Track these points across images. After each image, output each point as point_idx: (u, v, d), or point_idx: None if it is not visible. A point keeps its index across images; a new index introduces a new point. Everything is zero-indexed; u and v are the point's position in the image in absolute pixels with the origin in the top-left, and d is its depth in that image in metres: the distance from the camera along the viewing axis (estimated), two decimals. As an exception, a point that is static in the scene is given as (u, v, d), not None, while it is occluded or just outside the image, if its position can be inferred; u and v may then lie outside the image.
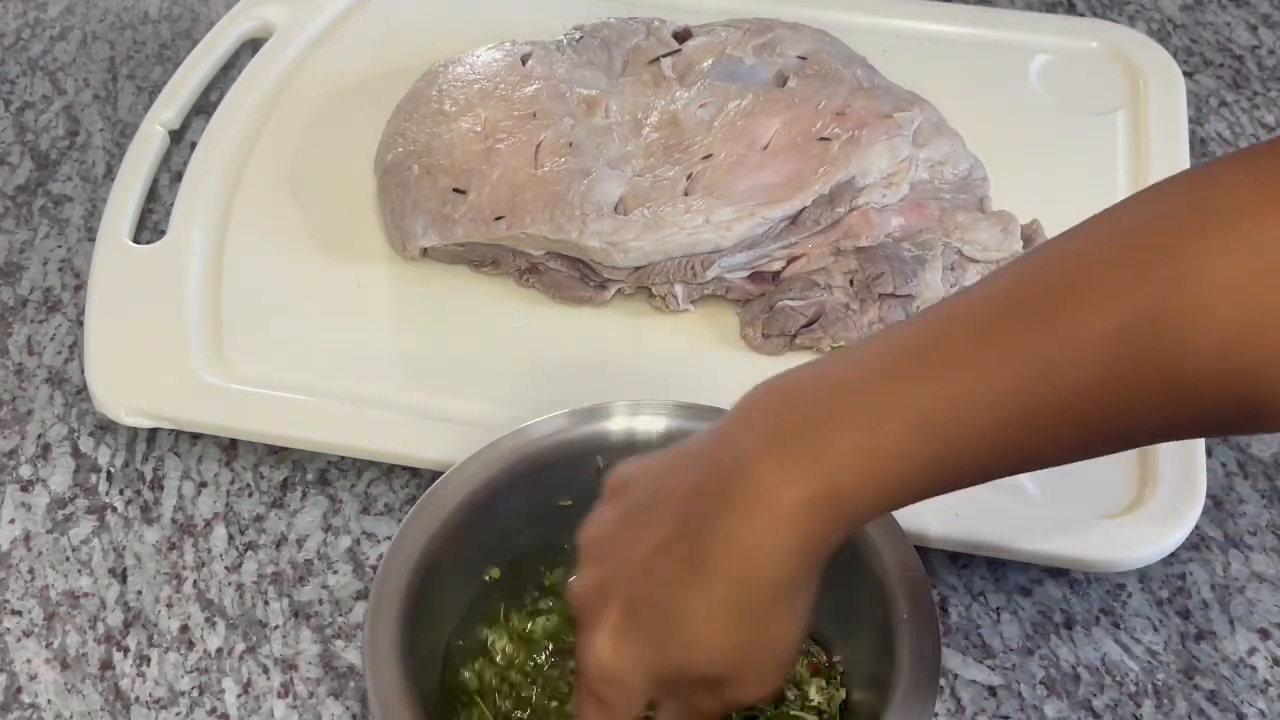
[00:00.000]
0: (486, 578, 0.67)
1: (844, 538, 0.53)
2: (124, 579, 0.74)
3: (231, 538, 0.75)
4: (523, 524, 0.67)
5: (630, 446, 0.67)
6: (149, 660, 0.71)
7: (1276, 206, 0.47)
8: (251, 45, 1.00)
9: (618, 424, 0.68)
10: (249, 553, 0.75)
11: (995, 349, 0.50)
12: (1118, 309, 0.49)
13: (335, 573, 0.74)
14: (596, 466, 0.66)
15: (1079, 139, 0.92)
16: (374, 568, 0.74)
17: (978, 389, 0.50)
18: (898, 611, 0.61)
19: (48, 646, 0.71)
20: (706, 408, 0.68)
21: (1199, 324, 0.48)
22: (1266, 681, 0.69)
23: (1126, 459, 0.74)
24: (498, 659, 0.66)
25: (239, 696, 0.69)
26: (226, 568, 0.74)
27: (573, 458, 0.67)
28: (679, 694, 0.56)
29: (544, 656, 0.67)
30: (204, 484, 0.78)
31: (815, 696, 0.64)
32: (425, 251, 0.84)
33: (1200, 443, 0.74)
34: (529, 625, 0.67)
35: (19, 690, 0.70)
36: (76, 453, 0.79)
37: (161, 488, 0.77)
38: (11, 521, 0.76)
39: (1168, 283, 0.48)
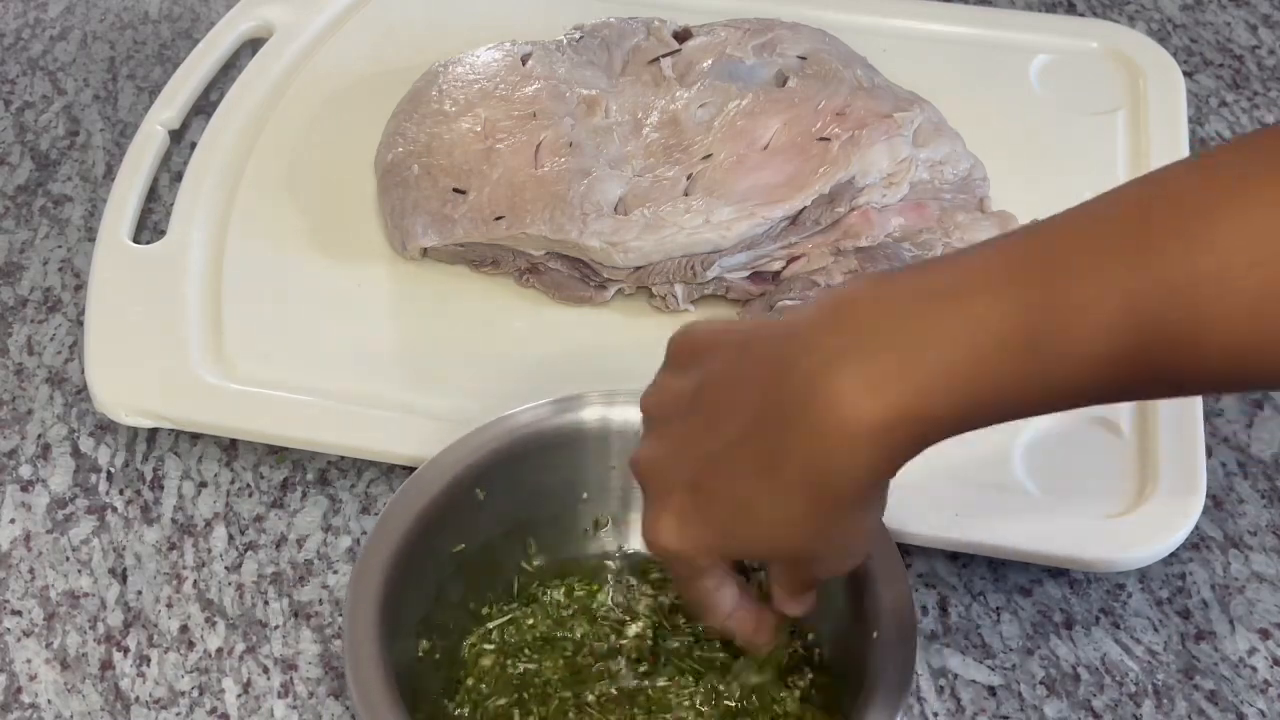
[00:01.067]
0: (458, 549, 0.67)
1: (921, 450, 0.52)
2: (124, 579, 0.74)
3: (231, 538, 0.75)
4: (500, 512, 0.68)
5: (604, 437, 0.68)
6: (149, 660, 0.71)
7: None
8: (251, 45, 1.00)
9: (591, 414, 0.69)
10: (249, 553, 0.75)
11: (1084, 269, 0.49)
12: (1122, 283, 0.48)
13: (335, 573, 0.74)
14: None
15: (1079, 139, 0.92)
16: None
17: (1083, 303, 0.49)
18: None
19: (48, 646, 0.71)
20: None
21: (1210, 297, 0.47)
22: (1266, 681, 0.69)
23: (1126, 459, 0.74)
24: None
25: (239, 696, 0.69)
26: (226, 568, 0.74)
27: (551, 446, 0.68)
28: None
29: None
30: (204, 484, 0.78)
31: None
32: (425, 251, 0.84)
33: (1200, 443, 0.74)
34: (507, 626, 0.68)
35: (19, 690, 0.70)
36: (76, 453, 0.79)
37: (161, 488, 0.77)
38: (11, 521, 0.76)
39: (1177, 257, 0.48)
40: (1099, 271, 0.49)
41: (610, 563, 0.70)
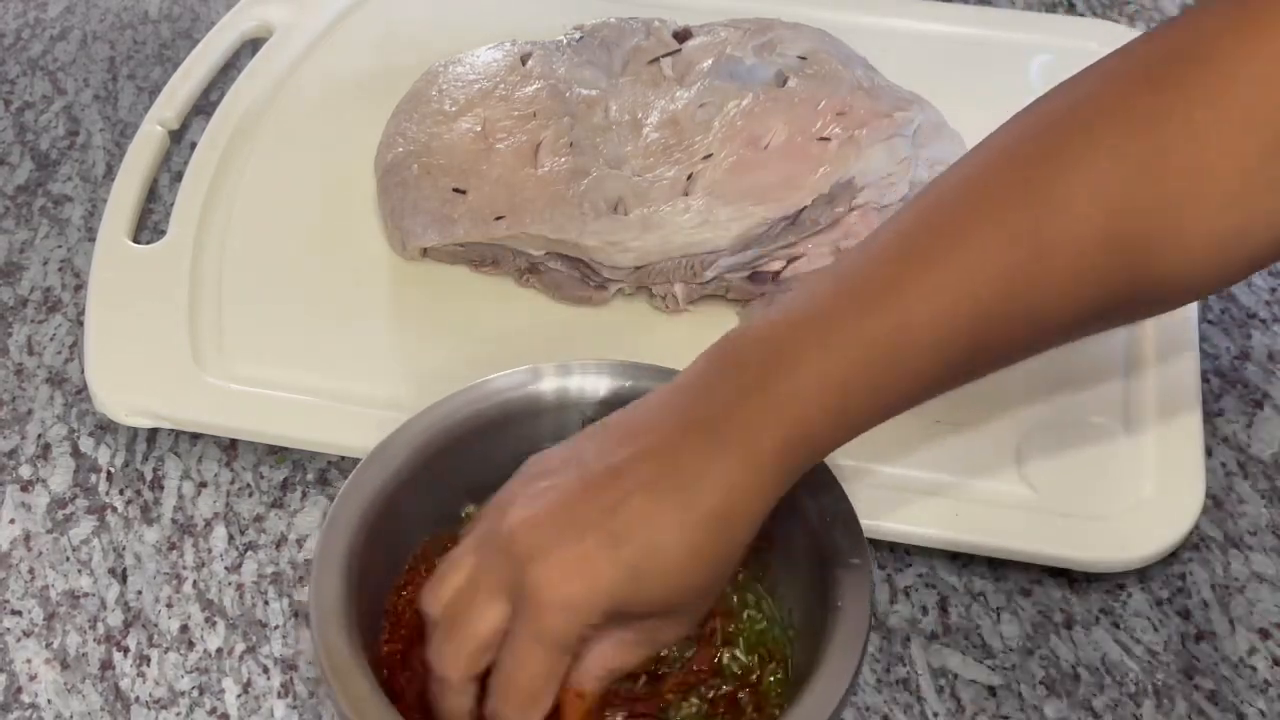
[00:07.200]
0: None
1: (810, 467, 0.59)
2: (124, 579, 0.74)
3: (231, 538, 0.75)
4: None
5: (562, 407, 0.68)
6: (149, 660, 0.71)
7: (1129, 119, 0.55)
8: (251, 45, 1.00)
9: (548, 384, 0.69)
10: (249, 553, 0.75)
11: (916, 278, 0.56)
12: (1002, 233, 0.56)
13: (335, 573, 0.74)
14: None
15: (1079, 139, 0.92)
16: (374, 568, 0.74)
17: (916, 312, 0.56)
18: (830, 549, 0.62)
19: (48, 646, 0.71)
20: (644, 365, 0.69)
21: (1074, 235, 0.55)
22: (1266, 681, 0.69)
23: (1126, 459, 0.74)
24: None
25: (239, 696, 0.69)
26: (226, 568, 0.74)
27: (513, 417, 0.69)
28: (612, 632, 0.57)
29: None
30: (204, 484, 0.78)
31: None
32: (425, 251, 0.84)
33: (1200, 443, 0.74)
34: None
35: (19, 690, 0.70)
36: (76, 453, 0.79)
37: (161, 488, 0.77)
38: (11, 521, 0.76)
39: (1042, 204, 0.56)
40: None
41: None
